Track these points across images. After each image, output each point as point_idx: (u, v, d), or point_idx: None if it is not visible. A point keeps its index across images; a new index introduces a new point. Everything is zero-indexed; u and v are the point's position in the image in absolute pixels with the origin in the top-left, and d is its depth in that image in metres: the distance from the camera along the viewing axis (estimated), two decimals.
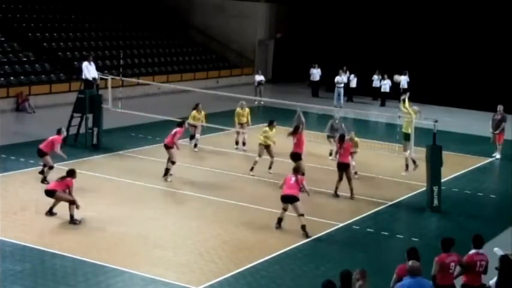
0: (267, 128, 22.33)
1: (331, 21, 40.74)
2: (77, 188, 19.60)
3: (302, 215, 16.61)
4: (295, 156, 20.65)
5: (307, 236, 16.60)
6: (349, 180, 20.14)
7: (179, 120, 23.04)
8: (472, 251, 11.92)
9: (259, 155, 21.95)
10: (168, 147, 20.88)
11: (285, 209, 16.99)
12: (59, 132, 20.63)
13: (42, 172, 20.19)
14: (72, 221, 16.92)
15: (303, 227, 16.64)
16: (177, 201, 19.35)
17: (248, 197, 19.66)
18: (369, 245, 16.73)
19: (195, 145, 24.40)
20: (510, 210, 20.06)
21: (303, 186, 16.81)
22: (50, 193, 17.26)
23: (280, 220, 17.18)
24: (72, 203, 17.07)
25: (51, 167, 20.04)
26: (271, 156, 22.04)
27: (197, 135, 24.36)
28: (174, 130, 21.13)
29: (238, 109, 25.14)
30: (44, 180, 19.80)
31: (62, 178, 17.44)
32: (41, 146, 20.32)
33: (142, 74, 36.58)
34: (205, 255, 15.34)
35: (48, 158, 20.14)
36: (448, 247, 11.70)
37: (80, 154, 23.06)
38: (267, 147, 22.03)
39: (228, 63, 43.22)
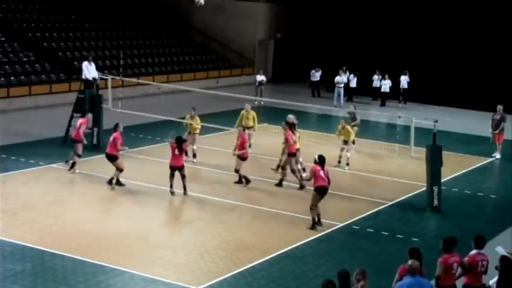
0: None
1: (331, 21, 40.73)
2: (76, 187, 19.66)
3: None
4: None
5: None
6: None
7: (179, 120, 23.07)
8: (474, 251, 11.90)
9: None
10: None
11: None
12: (115, 127, 20.00)
13: (111, 181, 19.59)
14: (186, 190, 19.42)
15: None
16: (177, 201, 19.35)
17: (248, 197, 19.66)
18: (369, 245, 16.72)
19: (194, 155, 23.15)
20: (510, 210, 20.06)
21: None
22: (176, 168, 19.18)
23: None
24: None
25: (121, 170, 19.59)
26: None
27: (194, 146, 23.09)
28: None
29: (243, 111, 24.83)
30: (120, 184, 19.57)
31: (180, 150, 19.16)
32: (108, 150, 19.66)
33: (142, 74, 36.57)
34: (205, 255, 15.34)
35: (119, 162, 19.57)
36: (450, 247, 11.70)
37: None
38: None
39: (228, 63, 43.21)
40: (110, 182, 19.64)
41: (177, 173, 19.41)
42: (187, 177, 19.58)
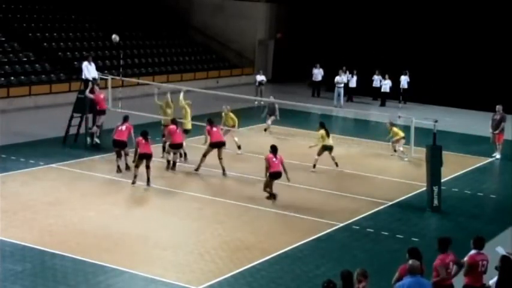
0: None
1: (331, 21, 40.72)
2: (76, 187, 19.66)
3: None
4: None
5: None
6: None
7: (178, 120, 23.13)
8: (473, 252, 11.90)
9: None
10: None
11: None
12: (127, 119, 21.77)
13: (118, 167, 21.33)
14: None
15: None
16: (177, 201, 19.34)
17: (248, 197, 19.66)
18: (369, 245, 16.72)
19: (184, 154, 23.24)
20: (510, 210, 20.05)
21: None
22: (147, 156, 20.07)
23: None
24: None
25: (127, 154, 21.44)
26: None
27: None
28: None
29: (223, 113, 25.21)
30: (127, 167, 21.24)
31: (146, 139, 20.05)
32: (121, 137, 21.25)
33: (142, 74, 36.55)
34: (205, 255, 15.34)
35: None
36: (446, 247, 11.71)
37: (80, 154, 23.05)
38: None
39: (228, 63, 43.20)
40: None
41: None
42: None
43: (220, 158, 21.57)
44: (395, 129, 24.82)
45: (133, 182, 20.03)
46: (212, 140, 21.62)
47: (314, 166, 22.78)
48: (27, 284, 13.43)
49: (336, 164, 22.89)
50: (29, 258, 14.60)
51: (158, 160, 22.08)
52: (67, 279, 13.70)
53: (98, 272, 14.13)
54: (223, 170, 21.57)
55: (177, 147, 21.84)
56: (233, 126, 24.80)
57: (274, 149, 19.23)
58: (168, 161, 21.93)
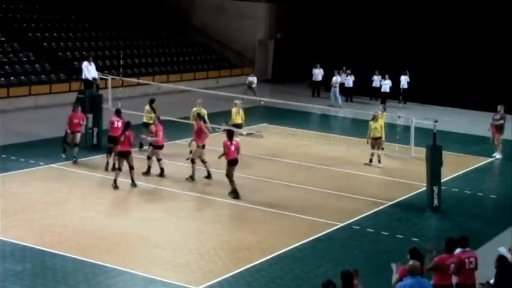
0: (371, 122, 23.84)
1: (331, 21, 40.71)
2: (76, 187, 19.66)
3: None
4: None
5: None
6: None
7: (179, 120, 23.12)
8: (458, 250, 11.93)
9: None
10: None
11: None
12: (118, 112, 21.80)
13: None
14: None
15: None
16: (177, 201, 19.34)
17: (248, 197, 19.65)
18: (369, 245, 16.72)
19: (142, 144, 23.57)
20: (510, 210, 20.06)
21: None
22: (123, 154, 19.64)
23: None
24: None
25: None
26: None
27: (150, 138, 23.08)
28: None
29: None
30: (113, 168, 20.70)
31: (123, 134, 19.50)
32: (112, 132, 21.22)
33: (142, 74, 36.55)
34: (205, 255, 15.34)
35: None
36: (452, 248, 11.73)
37: (80, 154, 22.99)
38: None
39: (228, 63, 43.20)
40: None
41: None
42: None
43: (204, 162, 21.12)
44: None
45: (114, 187, 19.57)
46: (204, 142, 21.11)
47: (377, 161, 23.59)
48: (27, 284, 13.43)
49: (379, 161, 23.77)
50: (29, 258, 14.60)
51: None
52: (67, 279, 13.70)
53: (98, 272, 14.13)
54: (208, 173, 21.11)
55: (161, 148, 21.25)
56: (241, 124, 24.89)
57: (230, 135, 19.52)
58: (149, 166, 21.09)
